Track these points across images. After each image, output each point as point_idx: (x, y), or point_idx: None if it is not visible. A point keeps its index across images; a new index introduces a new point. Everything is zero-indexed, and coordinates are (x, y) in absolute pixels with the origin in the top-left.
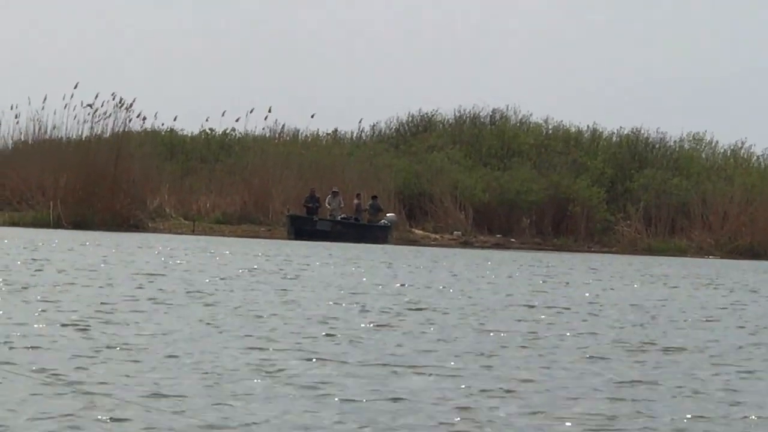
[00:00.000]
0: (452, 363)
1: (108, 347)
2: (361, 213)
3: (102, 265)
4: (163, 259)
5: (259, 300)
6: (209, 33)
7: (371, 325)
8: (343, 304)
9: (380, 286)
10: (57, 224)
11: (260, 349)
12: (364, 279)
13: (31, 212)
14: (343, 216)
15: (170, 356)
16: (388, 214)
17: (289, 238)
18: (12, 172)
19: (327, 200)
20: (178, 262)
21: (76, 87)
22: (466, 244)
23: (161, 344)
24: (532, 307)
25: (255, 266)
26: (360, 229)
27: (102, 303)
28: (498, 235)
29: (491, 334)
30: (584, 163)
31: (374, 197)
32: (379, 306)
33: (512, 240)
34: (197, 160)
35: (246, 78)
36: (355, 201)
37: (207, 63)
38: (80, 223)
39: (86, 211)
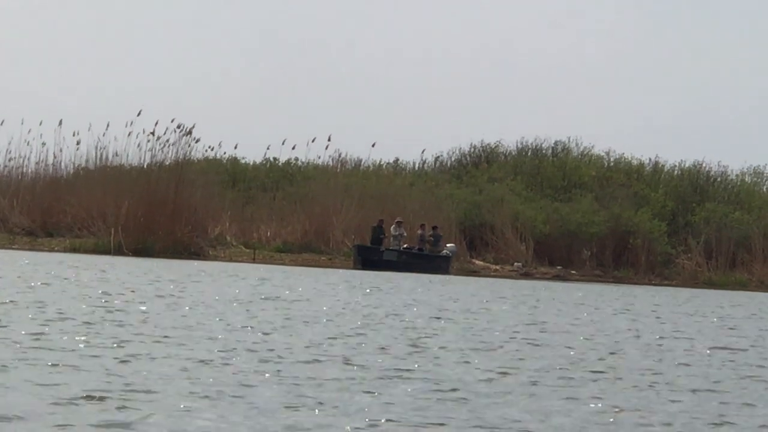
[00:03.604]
0: None
1: None
2: (425, 243)
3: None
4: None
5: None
6: (271, 61)
7: None
8: None
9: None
10: (118, 251)
11: None
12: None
13: (92, 239)
14: (406, 246)
15: None
16: (448, 245)
17: (356, 268)
18: (73, 198)
19: (391, 230)
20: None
21: (139, 114)
22: (526, 276)
23: None
24: None
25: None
26: (424, 259)
27: None
28: (558, 267)
29: None
30: (646, 196)
31: (435, 227)
32: None
33: (572, 272)
34: (258, 189)
35: (307, 107)
36: (419, 231)
37: (269, 91)
38: (141, 250)
39: (147, 238)
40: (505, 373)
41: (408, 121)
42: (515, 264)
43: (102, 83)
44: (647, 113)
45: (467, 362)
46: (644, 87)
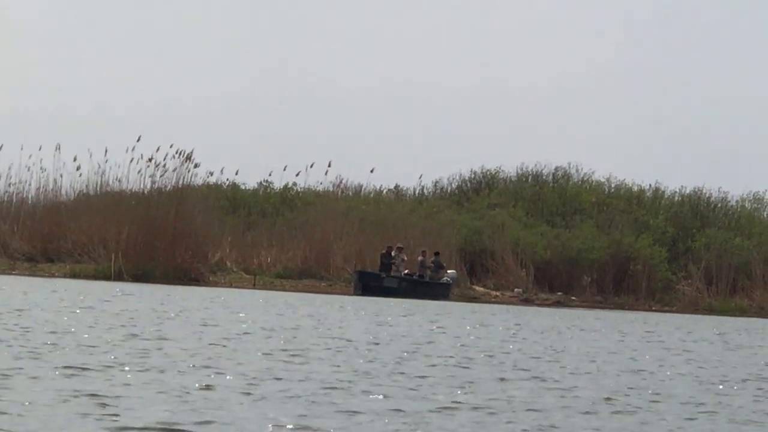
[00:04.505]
0: None
1: None
2: (425, 270)
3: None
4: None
5: None
6: (271, 87)
7: None
8: None
9: None
10: (118, 277)
11: None
12: None
13: (92, 264)
14: (407, 272)
15: None
16: (449, 271)
17: (356, 294)
18: (74, 223)
19: (393, 256)
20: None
21: (138, 140)
22: (526, 302)
23: None
24: None
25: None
26: (424, 286)
27: None
28: (559, 293)
29: None
30: (646, 222)
31: (436, 254)
32: None
33: (573, 298)
34: (259, 215)
35: (308, 133)
36: (420, 258)
37: (269, 117)
38: (141, 276)
39: (147, 264)
40: None
41: (408, 147)
42: (516, 290)
43: (101, 108)
44: (647, 139)
45: None
46: (644, 113)
